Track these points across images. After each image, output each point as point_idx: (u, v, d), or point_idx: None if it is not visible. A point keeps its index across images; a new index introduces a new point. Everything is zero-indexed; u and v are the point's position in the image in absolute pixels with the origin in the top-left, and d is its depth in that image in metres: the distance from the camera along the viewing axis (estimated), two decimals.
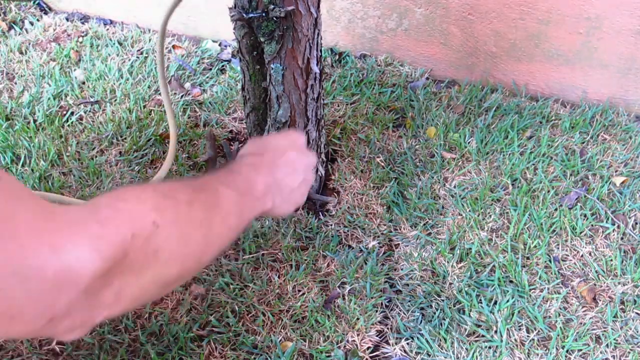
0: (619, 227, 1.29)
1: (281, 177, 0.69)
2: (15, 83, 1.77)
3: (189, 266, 0.52)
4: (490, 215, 1.32)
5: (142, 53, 1.91)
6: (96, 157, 1.50)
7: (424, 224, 1.32)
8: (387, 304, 1.18)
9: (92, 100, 1.70)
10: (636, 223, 1.32)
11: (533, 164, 1.45)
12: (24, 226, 0.37)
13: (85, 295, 0.40)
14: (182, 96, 1.72)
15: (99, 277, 0.40)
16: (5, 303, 0.36)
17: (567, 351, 1.07)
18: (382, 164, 1.46)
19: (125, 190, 0.49)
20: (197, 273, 0.55)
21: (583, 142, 1.54)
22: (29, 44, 1.95)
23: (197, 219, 0.52)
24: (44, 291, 0.37)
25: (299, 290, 1.17)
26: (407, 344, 1.10)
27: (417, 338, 1.10)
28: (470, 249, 1.25)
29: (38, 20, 2.11)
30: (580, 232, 1.29)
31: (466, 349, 1.08)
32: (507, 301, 1.14)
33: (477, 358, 1.06)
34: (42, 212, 0.39)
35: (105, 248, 0.41)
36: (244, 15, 1.05)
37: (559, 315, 1.13)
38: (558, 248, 1.26)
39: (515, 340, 1.09)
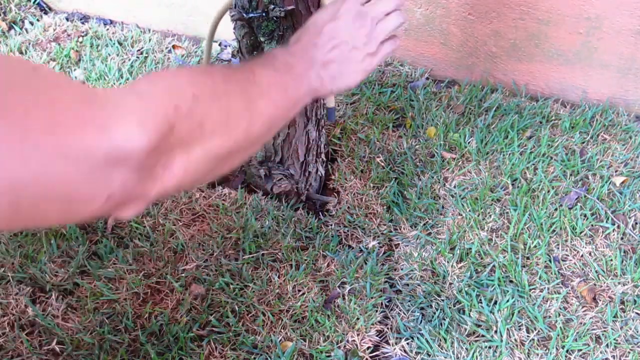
0: (619, 227, 1.30)
1: (322, 54, 0.67)
2: None
3: (237, 139, 0.52)
4: (490, 215, 1.32)
5: (142, 53, 1.91)
6: None
7: (424, 224, 1.32)
8: (387, 303, 1.18)
9: None
10: (636, 223, 1.32)
11: (533, 164, 1.45)
12: (68, 111, 0.37)
13: (137, 171, 0.41)
14: None
15: (149, 153, 0.41)
16: (63, 187, 0.37)
17: (567, 351, 1.07)
18: (382, 164, 1.46)
19: (160, 71, 0.52)
20: (253, 150, 0.59)
21: (583, 142, 1.54)
22: (29, 43, 1.95)
23: (235, 92, 0.53)
24: (97, 172, 0.38)
25: (299, 290, 1.17)
26: (407, 343, 1.10)
27: (417, 338, 1.10)
28: (470, 249, 1.25)
29: (38, 20, 2.11)
30: (580, 232, 1.29)
31: (466, 348, 1.08)
32: (507, 301, 1.14)
33: (477, 358, 1.06)
34: (84, 95, 0.40)
35: (151, 122, 0.41)
36: (244, 15, 1.05)
37: (559, 315, 1.13)
38: (558, 248, 1.26)
39: (515, 340, 1.09)
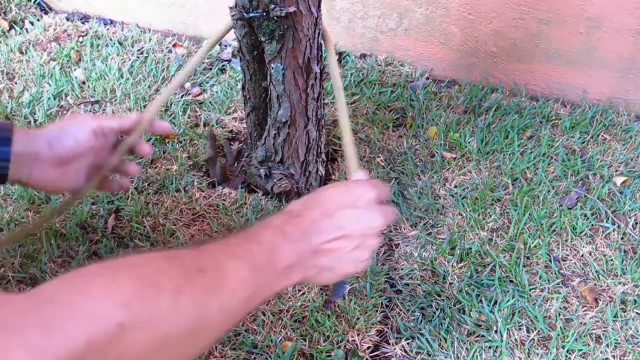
0: (619, 227, 1.30)
1: (320, 243, 0.56)
2: (16, 83, 1.77)
3: None
4: (490, 215, 1.32)
5: (142, 53, 1.91)
6: None
7: (424, 224, 1.32)
8: (387, 303, 1.18)
9: (92, 100, 1.70)
10: (636, 223, 1.32)
11: (533, 164, 1.45)
12: None
13: None
14: (182, 96, 1.72)
15: None
16: None
17: (567, 351, 1.07)
18: (383, 163, 1.46)
19: (91, 274, 0.40)
20: None
21: (583, 142, 1.54)
22: (29, 43, 1.95)
23: (184, 313, 0.43)
24: None
25: (299, 290, 1.17)
26: (408, 343, 1.10)
27: (417, 338, 1.10)
28: (471, 248, 1.25)
29: (38, 20, 2.11)
30: (581, 232, 1.29)
31: (466, 348, 1.08)
32: (507, 301, 1.14)
33: (477, 358, 1.06)
34: None
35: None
36: (245, 14, 1.05)
37: (559, 315, 1.13)
38: (558, 248, 1.26)
39: (516, 340, 1.09)
